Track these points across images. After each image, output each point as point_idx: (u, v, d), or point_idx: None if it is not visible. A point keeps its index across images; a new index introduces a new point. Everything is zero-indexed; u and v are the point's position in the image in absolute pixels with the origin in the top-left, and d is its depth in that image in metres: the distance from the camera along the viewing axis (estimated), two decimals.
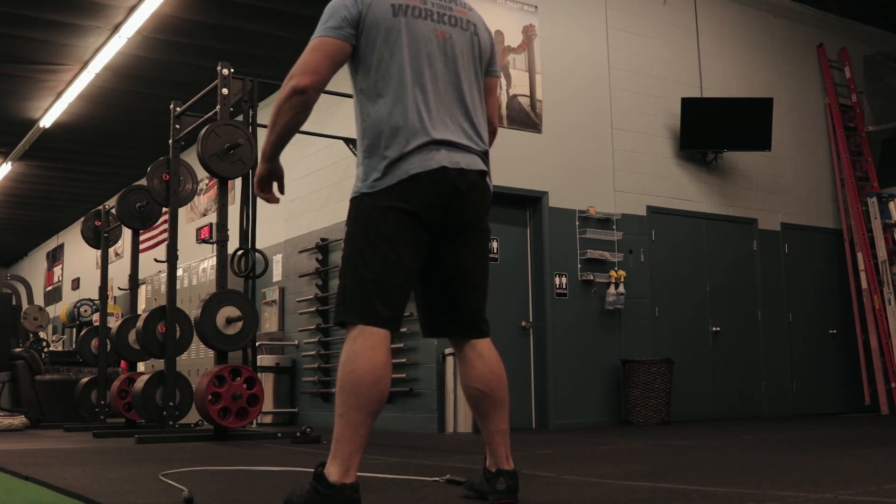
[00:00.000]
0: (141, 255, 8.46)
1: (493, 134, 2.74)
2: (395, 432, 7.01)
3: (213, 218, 10.20)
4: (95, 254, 13.36)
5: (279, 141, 2.52)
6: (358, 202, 2.45)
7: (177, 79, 9.21)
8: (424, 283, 2.60)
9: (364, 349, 2.31)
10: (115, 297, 12.80)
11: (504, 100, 7.50)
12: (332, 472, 2.26)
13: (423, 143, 2.41)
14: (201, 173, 8.40)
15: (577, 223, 7.73)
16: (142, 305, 10.45)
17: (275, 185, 2.65)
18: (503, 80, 7.51)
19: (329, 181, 8.43)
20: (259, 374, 6.27)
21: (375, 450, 4.84)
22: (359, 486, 2.29)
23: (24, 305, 14.88)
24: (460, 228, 2.52)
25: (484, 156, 2.57)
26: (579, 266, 7.67)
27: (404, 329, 7.24)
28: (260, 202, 6.52)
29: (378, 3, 2.47)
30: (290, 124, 2.48)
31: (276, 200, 2.70)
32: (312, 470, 2.35)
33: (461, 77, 2.54)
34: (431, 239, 2.49)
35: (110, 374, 8.54)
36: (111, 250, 10.16)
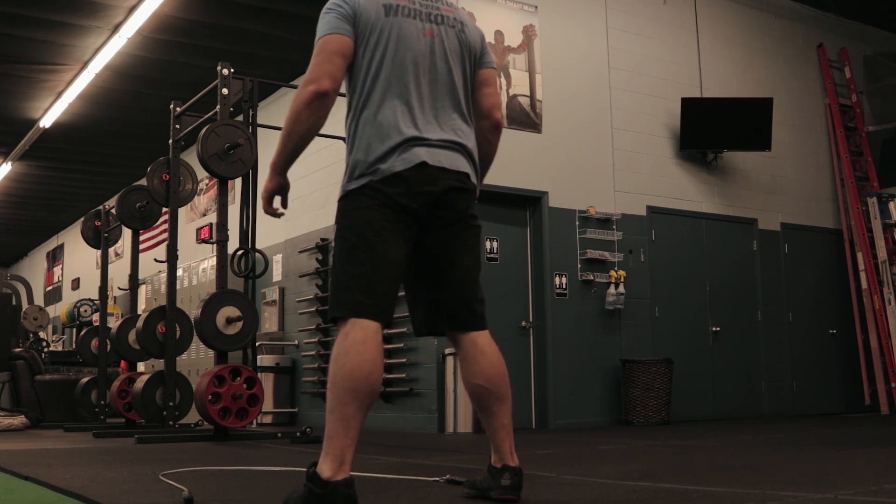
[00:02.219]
0: (141, 255, 8.46)
1: (496, 129, 2.75)
2: (395, 432, 7.01)
3: (213, 218, 10.20)
4: (95, 254, 13.36)
5: (295, 149, 2.52)
6: (344, 201, 2.54)
7: (177, 79, 9.21)
8: (416, 281, 2.63)
9: (355, 343, 2.32)
10: (115, 297, 12.80)
11: (504, 100, 7.50)
12: (325, 469, 2.24)
13: (405, 141, 2.46)
14: (201, 173, 8.40)
15: (577, 223, 7.73)
16: (142, 305, 10.45)
17: (278, 198, 2.69)
18: (503, 80, 7.51)
19: (329, 181, 8.43)
20: (259, 374, 6.27)
21: (375, 450, 4.84)
22: (353, 482, 2.27)
23: (24, 305, 14.88)
24: (447, 224, 2.55)
25: (469, 155, 2.60)
26: (579, 266, 7.67)
27: (404, 329, 7.24)
28: (260, 202, 6.52)
29: (369, 3, 2.53)
30: (310, 130, 2.48)
31: (281, 215, 2.76)
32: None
33: (448, 75, 2.59)
34: (420, 234, 2.53)
35: (110, 374, 8.54)
36: (111, 250, 10.16)
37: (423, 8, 2.61)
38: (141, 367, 9.34)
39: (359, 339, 2.33)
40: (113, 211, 8.27)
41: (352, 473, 2.29)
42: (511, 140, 7.46)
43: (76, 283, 16.71)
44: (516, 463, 2.53)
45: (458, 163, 2.55)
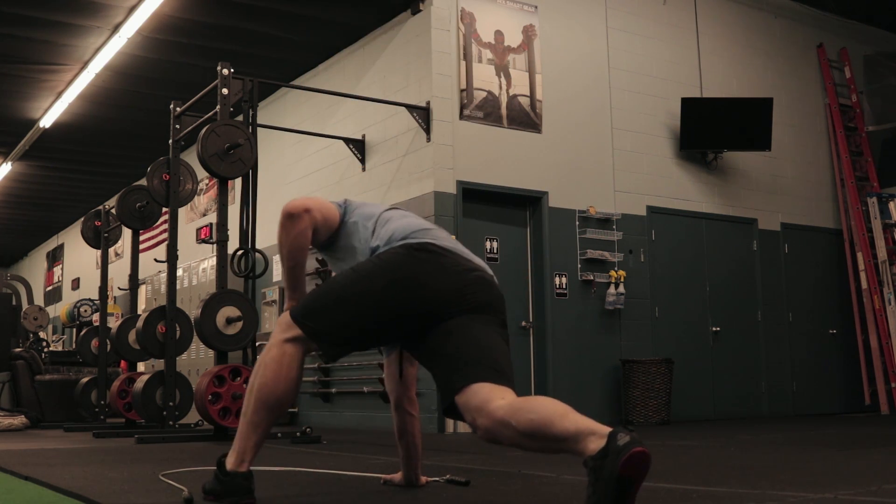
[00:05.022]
0: (141, 255, 8.46)
1: None
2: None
3: (213, 218, 10.20)
4: (95, 254, 13.36)
5: (292, 269, 2.58)
6: (390, 252, 2.48)
7: (177, 79, 9.21)
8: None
9: (273, 363, 2.44)
10: (115, 297, 12.80)
11: (504, 100, 7.51)
12: (229, 462, 2.46)
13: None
14: (201, 173, 8.40)
15: (577, 223, 7.73)
16: (142, 305, 10.45)
17: None
18: (503, 80, 7.51)
19: (329, 181, 8.42)
20: None
21: (375, 450, 4.84)
22: (252, 475, 2.45)
23: (24, 305, 14.90)
24: (480, 309, 2.53)
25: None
26: (579, 266, 7.67)
27: None
28: (260, 202, 6.53)
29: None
30: (293, 248, 2.53)
31: None
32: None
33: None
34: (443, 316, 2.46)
35: (110, 374, 8.54)
36: (111, 250, 10.16)
37: None
38: (141, 367, 9.34)
39: (276, 359, 2.43)
40: (113, 211, 8.27)
41: (252, 469, 2.46)
42: (511, 140, 7.46)
43: (76, 283, 16.70)
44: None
45: (490, 274, 2.59)
